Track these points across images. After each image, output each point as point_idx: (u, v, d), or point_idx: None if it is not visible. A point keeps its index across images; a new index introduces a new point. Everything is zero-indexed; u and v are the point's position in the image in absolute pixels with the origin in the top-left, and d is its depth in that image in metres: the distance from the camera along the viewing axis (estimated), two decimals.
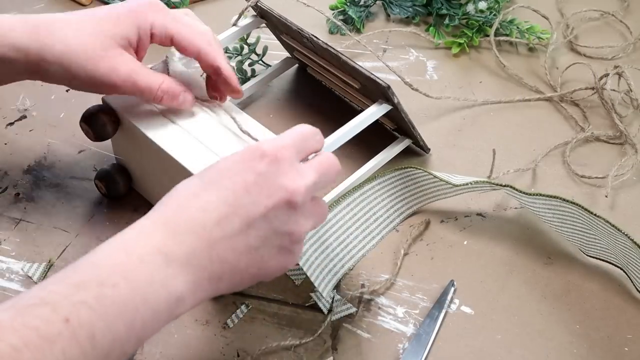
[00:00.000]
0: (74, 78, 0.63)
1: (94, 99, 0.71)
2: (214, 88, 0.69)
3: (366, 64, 0.89)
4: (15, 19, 0.62)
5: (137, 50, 0.65)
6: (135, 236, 0.50)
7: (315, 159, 0.56)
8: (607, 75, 0.84)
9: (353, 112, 0.76)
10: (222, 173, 0.52)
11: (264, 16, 0.79)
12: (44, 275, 0.69)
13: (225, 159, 0.54)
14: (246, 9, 0.77)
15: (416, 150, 0.81)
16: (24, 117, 0.83)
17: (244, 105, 0.84)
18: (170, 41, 0.65)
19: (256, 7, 0.78)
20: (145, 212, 0.74)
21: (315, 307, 0.68)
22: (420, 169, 0.73)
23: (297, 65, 0.89)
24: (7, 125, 0.83)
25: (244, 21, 0.79)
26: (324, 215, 0.57)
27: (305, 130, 0.56)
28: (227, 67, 0.66)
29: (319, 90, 0.87)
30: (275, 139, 0.54)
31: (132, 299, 0.47)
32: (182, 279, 0.49)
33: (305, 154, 0.55)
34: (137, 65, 0.64)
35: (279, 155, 0.52)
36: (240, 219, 0.51)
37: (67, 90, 0.85)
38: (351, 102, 0.85)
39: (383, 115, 0.73)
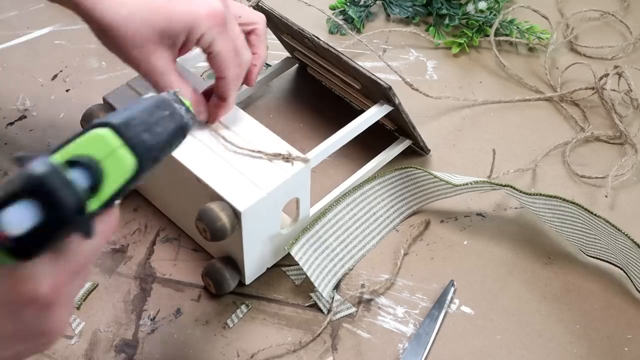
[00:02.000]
0: (108, 47, 0.63)
1: (95, 99, 0.71)
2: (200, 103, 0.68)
3: (366, 64, 0.89)
4: None
5: (180, 51, 0.64)
6: None
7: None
8: (607, 75, 0.84)
9: (353, 113, 0.76)
10: None
11: (265, 16, 0.79)
12: None
13: None
14: None
15: (417, 150, 0.81)
16: (24, 117, 0.83)
17: (244, 105, 0.84)
18: (207, 54, 0.64)
19: (257, 7, 0.78)
20: (145, 212, 0.74)
21: (315, 307, 0.68)
22: (420, 169, 0.73)
23: (297, 65, 0.89)
24: (7, 125, 0.83)
25: None
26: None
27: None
28: (230, 104, 0.66)
29: (319, 90, 0.87)
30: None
31: None
32: None
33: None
34: (168, 68, 0.63)
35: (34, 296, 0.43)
36: None
37: (67, 90, 0.85)
38: (351, 102, 0.85)
39: (384, 115, 0.73)
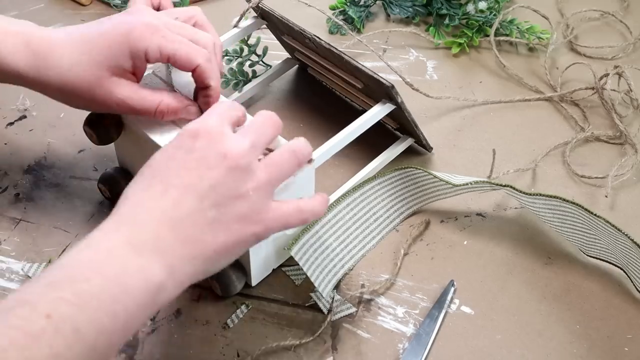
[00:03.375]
0: (72, 103, 0.65)
1: None
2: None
3: (366, 64, 0.88)
4: (18, 41, 0.63)
5: (135, 72, 0.64)
6: (99, 236, 0.51)
7: (248, 122, 0.58)
8: (607, 75, 0.84)
9: (354, 112, 0.77)
10: (161, 164, 0.54)
11: (265, 17, 0.79)
12: None
13: (161, 151, 0.55)
14: (247, 10, 0.77)
15: (418, 150, 0.81)
16: (24, 117, 0.83)
17: (245, 106, 0.84)
18: (167, 60, 0.64)
19: (257, 9, 0.78)
20: None
21: (315, 307, 0.68)
22: (420, 169, 0.73)
23: (297, 65, 0.89)
24: (7, 125, 0.83)
25: (245, 22, 0.79)
26: (284, 164, 0.57)
27: (223, 106, 0.58)
28: (217, 87, 0.66)
29: (320, 90, 0.87)
30: (200, 117, 0.57)
31: (109, 290, 0.47)
32: (156, 265, 0.50)
33: (234, 121, 0.57)
34: (132, 90, 0.64)
35: (207, 129, 0.54)
36: (192, 195, 0.52)
37: None
38: (352, 102, 0.85)
39: (386, 114, 0.73)
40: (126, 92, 0.63)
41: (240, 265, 0.67)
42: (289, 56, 0.88)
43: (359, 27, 0.95)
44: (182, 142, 0.55)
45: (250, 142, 0.55)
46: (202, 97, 0.65)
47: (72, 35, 0.63)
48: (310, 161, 0.65)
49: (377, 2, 0.98)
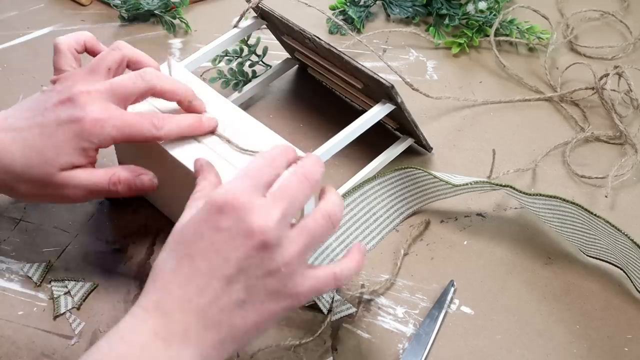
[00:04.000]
0: (25, 199, 0.66)
1: None
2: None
3: (366, 64, 0.88)
4: None
5: (91, 155, 0.63)
6: (131, 326, 0.51)
7: (276, 185, 0.54)
8: (607, 75, 0.84)
9: (354, 112, 0.77)
10: (189, 242, 0.52)
11: (265, 17, 0.79)
12: (44, 276, 0.69)
13: (187, 224, 0.53)
14: (247, 10, 0.77)
15: (418, 150, 0.81)
16: None
17: (245, 107, 0.84)
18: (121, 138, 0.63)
19: (257, 9, 0.78)
20: (145, 213, 0.74)
21: (315, 307, 0.68)
22: (420, 169, 0.73)
23: (297, 65, 0.89)
24: None
25: (245, 22, 0.79)
26: (318, 231, 0.54)
27: (262, 158, 0.55)
28: (196, 102, 0.66)
29: (320, 90, 0.87)
30: (228, 184, 0.53)
31: None
32: (186, 355, 0.50)
33: (269, 182, 0.54)
34: (84, 176, 0.62)
35: (236, 204, 0.51)
36: (218, 280, 0.51)
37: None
38: (352, 102, 0.85)
39: (386, 114, 0.73)
40: (77, 179, 0.62)
41: None
42: (289, 56, 0.88)
43: (359, 27, 0.95)
44: (209, 218, 0.52)
45: (281, 212, 0.51)
46: (190, 110, 0.67)
47: (21, 134, 0.61)
48: None
49: (377, 2, 0.98)
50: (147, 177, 0.64)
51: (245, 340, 0.52)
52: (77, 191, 0.63)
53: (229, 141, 0.66)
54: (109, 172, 0.63)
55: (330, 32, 0.95)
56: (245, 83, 0.85)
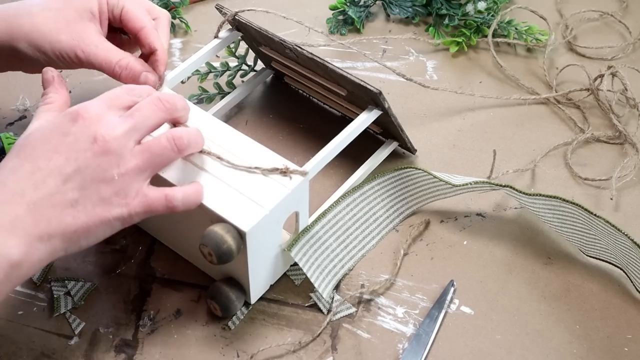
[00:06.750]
0: (40, 52, 0.67)
1: None
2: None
3: (366, 65, 0.89)
4: None
5: (101, 20, 0.68)
6: None
7: (133, 107, 0.58)
8: (601, 76, 0.84)
9: (334, 119, 0.75)
10: (35, 145, 0.56)
11: (241, 29, 0.77)
12: (44, 275, 0.69)
13: (36, 130, 0.57)
14: (224, 22, 0.76)
15: (401, 153, 0.80)
16: (24, 117, 0.83)
17: (223, 120, 0.81)
18: (120, 12, 0.68)
19: (233, 21, 0.76)
20: None
21: (315, 307, 0.68)
22: (420, 169, 0.73)
23: (272, 75, 0.87)
24: (7, 125, 0.83)
25: (224, 34, 0.77)
26: (160, 152, 0.58)
27: (116, 90, 0.59)
28: (163, 52, 0.69)
29: (296, 98, 0.86)
30: (84, 102, 0.58)
31: None
32: (12, 244, 0.52)
33: (125, 106, 0.58)
34: (98, 39, 0.67)
35: (86, 116, 0.56)
36: (54, 177, 0.54)
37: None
38: (332, 108, 0.83)
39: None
40: (92, 37, 0.67)
41: (239, 285, 0.66)
42: (264, 66, 0.86)
43: (359, 27, 0.95)
44: (60, 124, 0.56)
45: (129, 126, 0.57)
46: (150, 63, 0.69)
47: None
48: (304, 173, 0.64)
49: (377, 2, 0.98)
50: (152, 77, 0.69)
51: (75, 241, 0.55)
52: (87, 52, 0.67)
53: (219, 158, 0.64)
54: (122, 54, 0.68)
55: (331, 32, 0.95)
56: (223, 96, 0.84)
